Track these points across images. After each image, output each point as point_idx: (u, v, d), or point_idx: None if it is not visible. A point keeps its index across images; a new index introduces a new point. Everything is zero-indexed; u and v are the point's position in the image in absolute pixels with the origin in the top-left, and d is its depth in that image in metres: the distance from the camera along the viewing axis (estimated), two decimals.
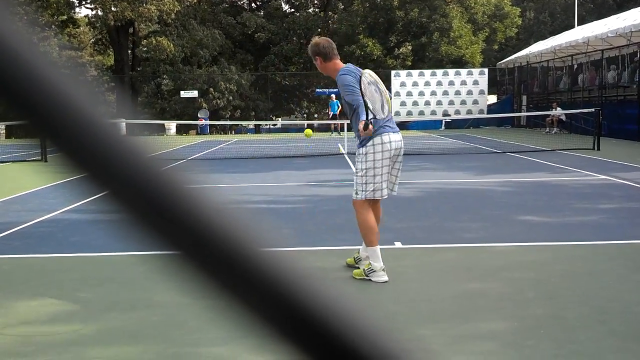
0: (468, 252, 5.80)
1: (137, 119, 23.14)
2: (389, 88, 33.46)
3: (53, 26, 38.04)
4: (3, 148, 23.05)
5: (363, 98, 4.80)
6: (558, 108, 25.76)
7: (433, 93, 33.05)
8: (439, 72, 33.65)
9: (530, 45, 39.62)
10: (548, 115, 26.41)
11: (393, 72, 34.00)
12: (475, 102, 33.10)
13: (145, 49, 39.31)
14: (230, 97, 37.86)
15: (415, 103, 32.81)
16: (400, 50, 43.37)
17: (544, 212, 7.74)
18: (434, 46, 38.55)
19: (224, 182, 11.55)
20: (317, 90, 38.18)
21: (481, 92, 33.26)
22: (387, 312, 4.20)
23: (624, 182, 10.46)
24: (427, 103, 33.03)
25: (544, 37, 40.01)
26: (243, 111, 39.90)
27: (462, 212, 7.85)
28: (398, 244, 6.04)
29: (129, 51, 41.14)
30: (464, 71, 33.85)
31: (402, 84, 33.16)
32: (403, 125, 26.15)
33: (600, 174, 11.46)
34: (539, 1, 49.25)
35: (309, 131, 17.68)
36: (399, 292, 4.64)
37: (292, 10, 45.28)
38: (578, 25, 36.00)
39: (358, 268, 5.07)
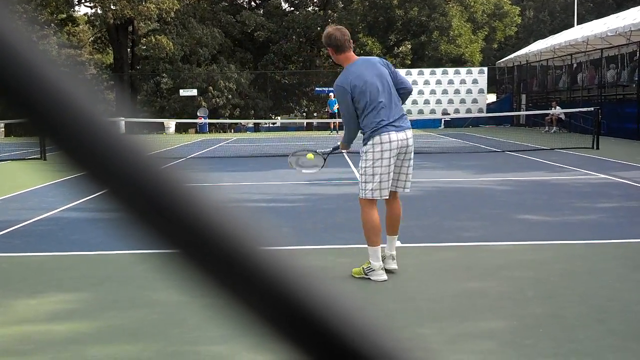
0: (467, 251, 5.80)
1: (137, 117, 23.14)
2: None
3: (52, 24, 38.02)
4: (2, 146, 23.04)
5: (355, 106, 4.88)
6: (557, 107, 25.76)
7: (432, 92, 33.04)
8: (439, 70, 33.64)
9: (529, 44, 39.63)
10: (547, 114, 26.41)
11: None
12: (475, 101, 33.09)
13: (144, 47, 39.29)
14: (230, 96, 37.85)
15: (414, 102, 32.78)
16: (400, 49, 43.37)
17: (543, 211, 7.74)
18: (434, 45, 38.55)
19: (223, 180, 11.55)
20: (317, 88, 38.17)
21: (480, 91, 33.25)
22: (387, 310, 4.20)
23: (623, 181, 10.46)
24: (427, 102, 33.02)
25: (543, 36, 40.01)
26: (242, 110, 39.89)
27: (462, 211, 7.85)
28: (397, 243, 6.04)
29: (128, 49, 41.12)
30: (463, 70, 33.84)
31: None
32: None
33: (600, 173, 11.47)
34: (538, 0, 49.25)
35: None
36: (398, 291, 4.64)
37: (292, 8, 45.27)
38: (578, 24, 36.02)
39: (392, 271, 5.03)
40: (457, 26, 38.74)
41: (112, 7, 36.07)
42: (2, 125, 29.67)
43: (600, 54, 24.57)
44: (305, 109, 47.59)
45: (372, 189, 4.87)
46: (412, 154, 5.02)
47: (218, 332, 3.68)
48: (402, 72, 34.11)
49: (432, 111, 32.59)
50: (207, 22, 40.39)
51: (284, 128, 39.84)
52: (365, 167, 4.89)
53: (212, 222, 0.37)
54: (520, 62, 34.89)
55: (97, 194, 0.37)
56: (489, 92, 35.01)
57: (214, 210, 0.37)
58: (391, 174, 4.90)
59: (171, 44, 36.93)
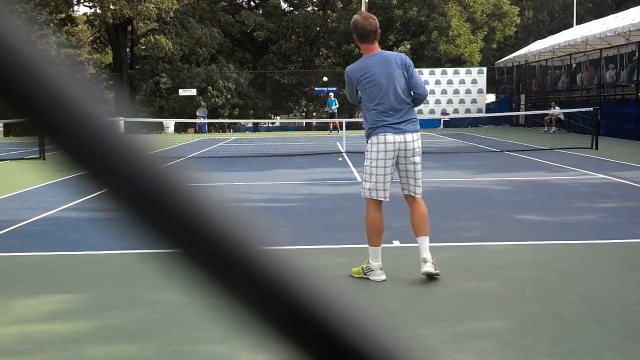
0: (466, 251, 5.80)
1: (136, 117, 23.13)
2: None
3: (51, 24, 38.00)
4: (1, 146, 23.03)
5: (360, 95, 4.90)
6: (556, 107, 25.77)
7: (431, 92, 33.01)
8: (438, 70, 33.64)
9: (528, 44, 39.64)
10: (546, 114, 26.43)
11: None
12: (474, 101, 33.10)
13: (143, 47, 39.29)
14: (229, 96, 37.84)
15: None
16: (399, 49, 43.35)
17: (542, 211, 7.74)
18: (433, 45, 38.55)
19: (223, 180, 11.54)
20: (316, 88, 38.16)
21: (480, 91, 33.26)
22: (386, 310, 4.21)
23: (622, 181, 10.47)
24: (426, 102, 32.95)
25: (542, 36, 40.03)
26: (241, 109, 39.89)
27: (461, 211, 7.85)
28: (396, 243, 6.04)
29: (128, 49, 41.11)
30: (462, 70, 33.85)
31: None
32: None
33: (599, 173, 11.47)
34: (537, 0, 49.27)
35: None
36: (398, 291, 4.64)
37: (291, 8, 45.28)
38: (577, 24, 36.03)
39: (435, 277, 4.82)
40: (456, 26, 38.74)
41: (111, 6, 36.06)
42: (1, 124, 29.66)
43: (599, 54, 24.58)
44: (305, 109, 47.60)
45: (369, 189, 4.88)
46: (418, 157, 4.89)
47: (218, 332, 3.68)
48: None
49: (432, 111, 32.59)
50: (206, 22, 40.39)
51: (283, 128, 39.83)
52: (364, 166, 4.93)
53: (212, 221, 0.37)
54: (519, 62, 34.91)
55: (96, 194, 0.37)
56: (488, 92, 35.03)
57: (214, 209, 0.37)
58: (388, 175, 4.86)
59: (170, 43, 36.92)
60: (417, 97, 4.93)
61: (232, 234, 0.37)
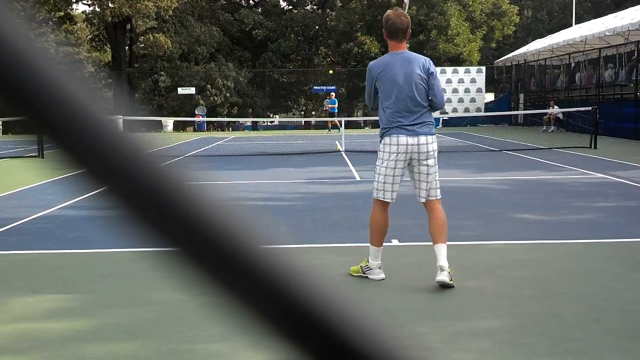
0: (465, 250, 5.80)
1: (135, 115, 23.11)
2: None
3: (50, 22, 37.96)
4: (0, 144, 23.01)
5: (378, 93, 4.83)
6: (555, 106, 25.78)
7: None
8: (437, 69, 33.59)
9: (528, 43, 39.64)
10: (545, 114, 26.43)
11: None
12: (473, 100, 33.11)
13: (142, 45, 39.28)
14: (228, 94, 37.83)
15: None
16: None
17: (541, 210, 7.75)
18: (432, 44, 38.53)
19: (221, 179, 11.54)
20: (315, 87, 38.17)
21: (479, 90, 33.27)
22: (384, 309, 4.21)
23: (620, 180, 10.48)
24: None
25: (541, 36, 40.03)
26: (240, 108, 39.89)
27: (459, 210, 7.85)
28: (395, 242, 6.04)
29: (126, 48, 41.09)
30: (461, 69, 33.85)
31: None
32: None
33: (597, 172, 11.48)
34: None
35: None
36: (396, 290, 4.65)
37: (290, 7, 45.26)
38: (576, 23, 36.03)
39: (451, 286, 4.63)
40: (455, 25, 38.74)
41: (110, 5, 36.05)
42: (0, 122, 29.63)
43: (598, 54, 24.59)
44: (304, 108, 47.59)
45: (376, 189, 4.85)
46: (432, 160, 4.77)
47: (217, 330, 3.68)
48: None
49: None
50: (206, 20, 40.37)
51: (282, 127, 39.83)
52: (375, 166, 4.89)
53: (211, 220, 0.37)
54: (518, 61, 34.91)
55: (95, 192, 0.37)
56: (487, 91, 35.03)
57: (213, 208, 0.37)
58: (398, 177, 4.79)
59: (169, 42, 36.90)
60: (432, 106, 4.84)
61: (231, 233, 0.37)
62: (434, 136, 4.83)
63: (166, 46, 36.66)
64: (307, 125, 38.40)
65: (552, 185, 10.19)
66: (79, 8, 64.04)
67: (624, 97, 22.75)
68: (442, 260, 4.67)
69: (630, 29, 22.25)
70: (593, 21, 30.83)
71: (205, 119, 29.99)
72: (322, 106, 38.17)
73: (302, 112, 47.47)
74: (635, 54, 21.92)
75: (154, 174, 0.36)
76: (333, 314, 0.37)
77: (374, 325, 0.38)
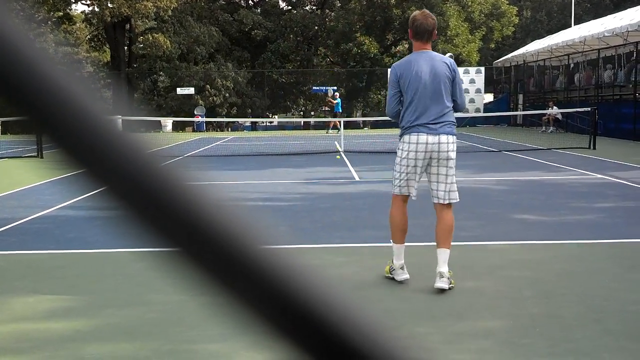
0: (464, 251, 5.81)
1: (134, 115, 23.11)
2: (385, 86, 33.53)
3: (49, 22, 37.96)
4: None
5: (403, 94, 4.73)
6: (554, 107, 25.79)
7: None
8: None
9: (527, 44, 39.66)
10: (544, 114, 26.44)
11: (390, 71, 33.98)
12: (472, 100, 33.09)
13: (141, 45, 39.27)
14: (227, 94, 37.83)
15: None
16: (397, 48, 43.36)
17: (540, 211, 7.75)
18: (431, 44, 38.51)
19: (220, 179, 11.54)
20: (314, 87, 38.14)
21: (478, 91, 33.27)
22: (384, 309, 4.21)
23: (619, 181, 10.48)
24: None
25: (540, 36, 40.05)
26: (239, 108, 39.88)
27: (459, 211, 7.82)
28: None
29: (125, 48, 41.07)
30: (460, 70, 33.75)
31: None
32: None
33: (596, 173, 11.48)
34: (535, 0, 49.30)
35: None
36: (396, 290, 4.64)
37: (289, 7, 45.27)
38: (575, 24, 36.07)
39: (450, 290, 4.61)
40: (454, 26, 38.76)
41: (109, 5, 36.04)
42: None
43: (597, 54, 24.60)
44: (303, 108, 47.58)
45: (398, 185, 4.80)
46: (451, 161, 4.73)
47: (216, 330, 3.68)
48: None
49: None
50: (205, 21, 40.37)
51: (281, 127, 39.83)
52: (395, 164, 4.83)
53: (210, 220, 0.37)
54: (517, 62, 34.93)
55: (94, 192, 0.37)
56: (486, 92, 35.04)
57: (212, 208, 0.37)
58: (417, 175, 4.76)
59: (168, 42, 36.89)
60: (455, 106, 4.80)
61: (231, 233, 0.37)
62: (455, 137, 4.77)
63: (165, 46, 36.65)
64: (306, 126, 38.40)
65: (551, 185, 10.20)
66: (78, 8, 64.00)
67: (623, 98, 22.76)
68: (443, 267, 4.62)
69: (629, 29, 22.26)
70: (592, 22, 30.86)
71: (205, 119, 29.98)
72: (321, 106, 38.23)
73: (301, 113, 47.47)
74: (634, 55, 21.93)
75: (153, 174, 0.36)
76: (333, 313, 0.37)
77: (374, 325, 0.38)
